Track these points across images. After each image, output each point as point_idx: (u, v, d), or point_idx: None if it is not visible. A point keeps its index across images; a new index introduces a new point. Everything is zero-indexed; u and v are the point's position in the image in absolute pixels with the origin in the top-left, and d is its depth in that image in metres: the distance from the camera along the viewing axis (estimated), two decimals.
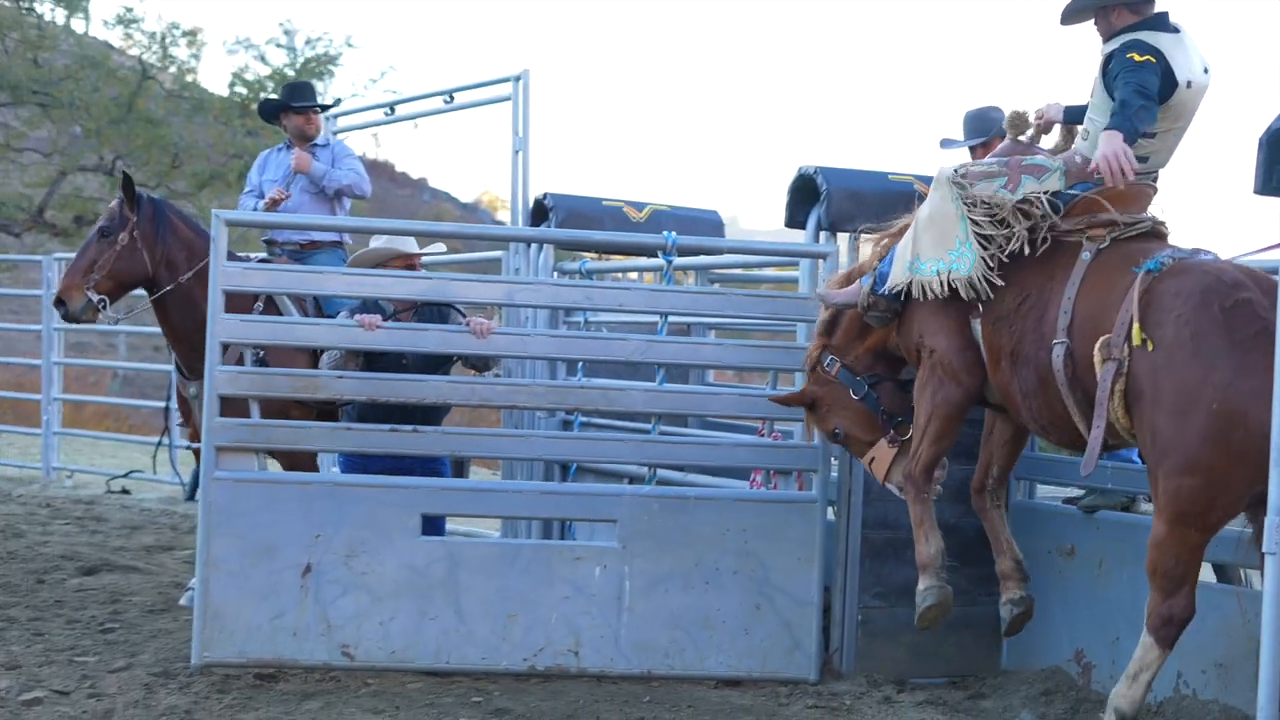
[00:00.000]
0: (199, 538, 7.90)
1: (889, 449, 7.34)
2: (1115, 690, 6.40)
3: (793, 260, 9.31)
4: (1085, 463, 6.45)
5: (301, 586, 7.74)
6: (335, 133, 12.01)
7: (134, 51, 29.10)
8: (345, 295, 8.68)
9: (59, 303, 9.19)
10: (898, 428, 7.35)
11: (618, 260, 11.36)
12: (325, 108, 10.71)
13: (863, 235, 7.93)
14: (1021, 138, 7.24)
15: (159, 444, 10.69)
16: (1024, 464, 8.14)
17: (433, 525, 8.32)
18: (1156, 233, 6.71)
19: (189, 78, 29.75)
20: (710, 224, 10.71)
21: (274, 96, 12.62)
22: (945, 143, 8.42)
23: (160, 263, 9.15)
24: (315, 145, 10.23)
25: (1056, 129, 7.31)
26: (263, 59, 30.35)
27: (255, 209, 10.03)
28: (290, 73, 29.90)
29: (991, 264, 6.76)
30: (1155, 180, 6.88)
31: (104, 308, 9.11)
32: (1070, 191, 6.75)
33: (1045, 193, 6.75)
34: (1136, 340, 6.16)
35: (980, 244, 6.75)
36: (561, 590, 7.91)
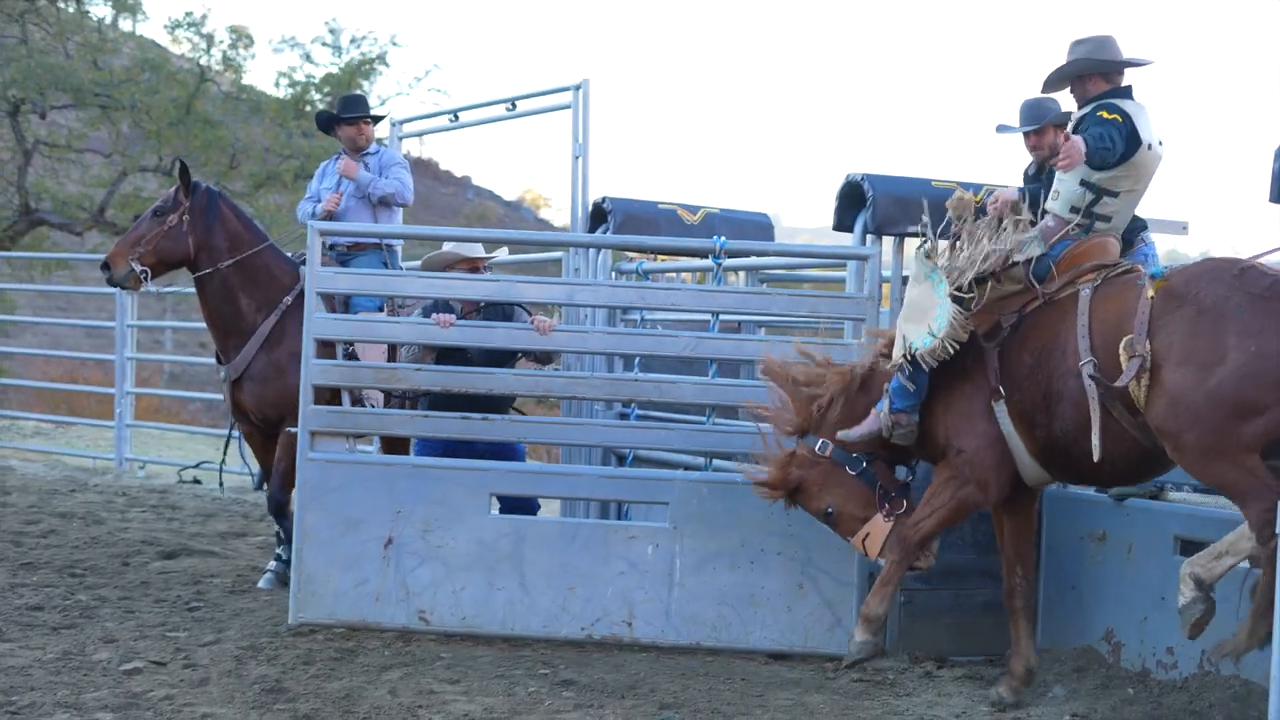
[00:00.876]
0: (296, 511, 8.70)
1: (885, 523, 7.64)
2: (1196, 559, 6.78)
3: (838, 262, 9.81)
4: (1094, 450, 6.89)
5: (384, 557, 8.43)
6: (401, 138, 12.52)
7: (192, 55, 29.52)
8: (420, 296, 9.35)
9: (105, 267, 9.97)
10: (892, 502, 7.68)
11: (672, 261, 11.77)
12: (376, 119, 11.19)
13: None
14: (966, 218, 7.67)
15: (229, 436, 11.25)
16: None
17: (525, 507, 8.98)
18: (1137, 273, 7.20)
19: (244, 80, 30.19)
20: (760, 226, 11.17)
21: (328, 109, 13.12)
22: (1001, 128, 8.86)
23: (202, 248, 9.92)
24: (365, 154, 10.76)
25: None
26: (308, 58, 30.65)
27: (313, 214, 10.56)
28: (336, 71, 30.23)
29: (965, 319, 7.27)
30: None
31: (145, 279, 9.98)
32: (1050, 254, 7.33)
33: (1026, 259, 7.33)
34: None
35: (954, 301, 7.28)
36: (617, 566, 8.47)
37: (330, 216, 10.37)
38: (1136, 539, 8.14)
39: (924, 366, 7.32)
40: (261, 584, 10.01)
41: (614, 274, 10.61)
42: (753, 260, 10.57)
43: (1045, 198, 7.61)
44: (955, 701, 7.55)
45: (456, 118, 12.13)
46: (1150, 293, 6.81)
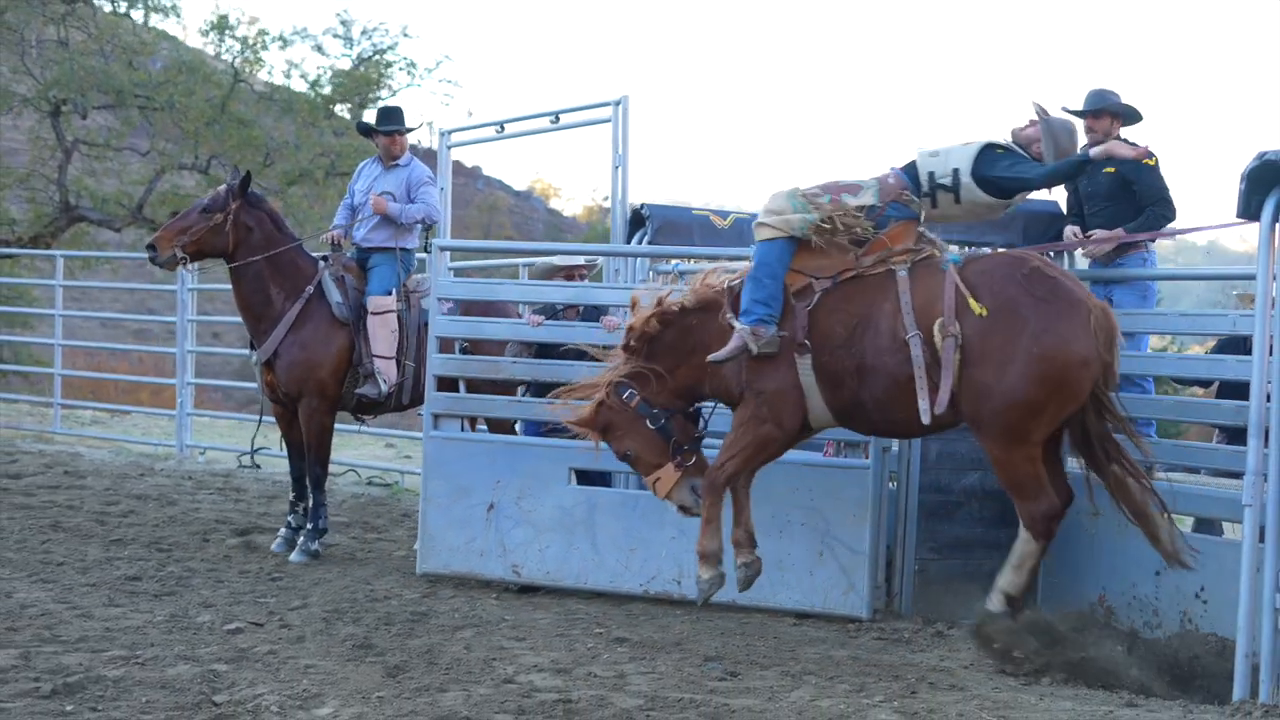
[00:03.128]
0: (422, 481, 10.29)
1: (674, 472, 8.55)
2: (1003, 577, 7.97)
3: None
4: (923, 413, 7.93)
5: (487, 519, 9.76)
6: (450, 147, 13.42)
7: (226, 58, 30.33)
8: (521, 299, 11.08)
9: (150, 248, 11.12)
10: (684, 454, 8.58)
11: (708, 263, 12.67)
12: (411, 129, 12.23)
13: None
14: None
15: (259, 420, 12.41)
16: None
17: (602, 478, 10.17)
18: (937, 258, 8.22)
19: (277, 80, 31.02)
20: None
21: (365, 121, 14.06)
22: (1064, 110, 9.95)
23: (240, 244, 11.06)
24: (398, 165, 11.83)
25: None
26: (320, 49, 31.35)
27: (352, 214, 11.82)
28: (347, 64, 31.07)
29: (820, 236, 8.28)
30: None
31: (185, 264, 11.21)
32: (885, 212, 8.35)
33: (861, 207, 8.33)
34: (977, 311, 7.80)
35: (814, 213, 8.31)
36: (670, 532, 9.56)
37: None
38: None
39: (777, 279, 8.25)
40: (274, 547, 11.20)
41: (651, 275, 11.53)
42: None
43: (1085, 186, 9.42)
44: (963, 655, 8.48)
45: (503, 129, 12.95)
46: (955, 279, 7.91)
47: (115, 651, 7.80)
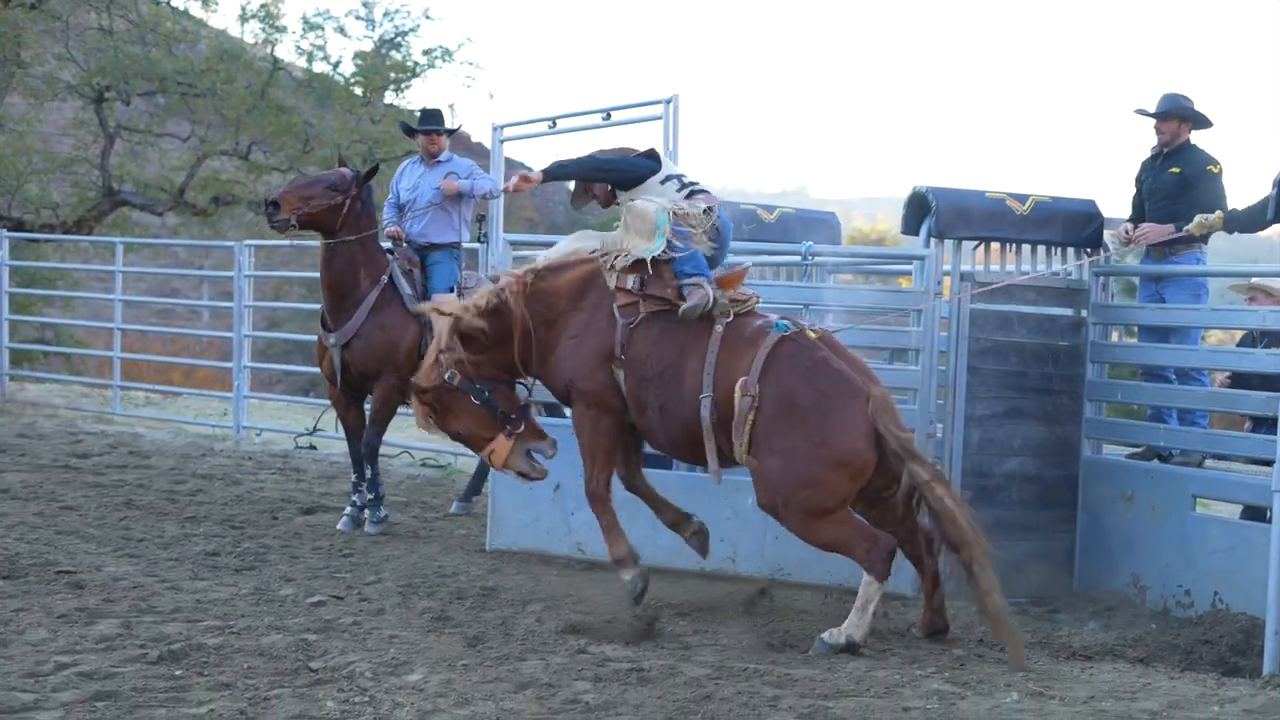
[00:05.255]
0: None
1: (507, 441, 9.00)
2: (850, 621, 8.23)
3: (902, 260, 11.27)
4: (714, 475, 8.52)
5: (553, 499, 10.22)
6: (502, 141, 13.90)
7: (250, 39, 30.74)
8: None
9: (274, 205, 11.54)
10: (512, 423, 9.01)
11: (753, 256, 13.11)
12: (450, 132, 12.74)
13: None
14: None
15: (329, 404, 12.94)
16: (1092, 427, 10.12)
17: (662, 461, 10.56)
18: (765, 320, 8.57)
19: (298, 61, 31.42)
20: (828, 224, 12.52)
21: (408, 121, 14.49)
22: (1139, 111, 10.47)
23: (342, 226, 11.43)
24: (439, 162, 12.37)
25: None
26: (342, 31, 31.63)
27: (400, 210, 12.43)
28: (369, 46, 31.53)
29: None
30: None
31: (293, 228, 11.57)
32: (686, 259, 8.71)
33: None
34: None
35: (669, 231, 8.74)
36: (725, 512, 10.09)
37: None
38: (1159, 499, 9.63)
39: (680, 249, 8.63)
40: (340, 526, 11.68)
41: None
42: (829, 259, 11.94)
43: (1149, 184, 10.12)
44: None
45: (554, 125, 13.42)
46: (769, 349, 8.26)
47: (210, 621, 8.32)
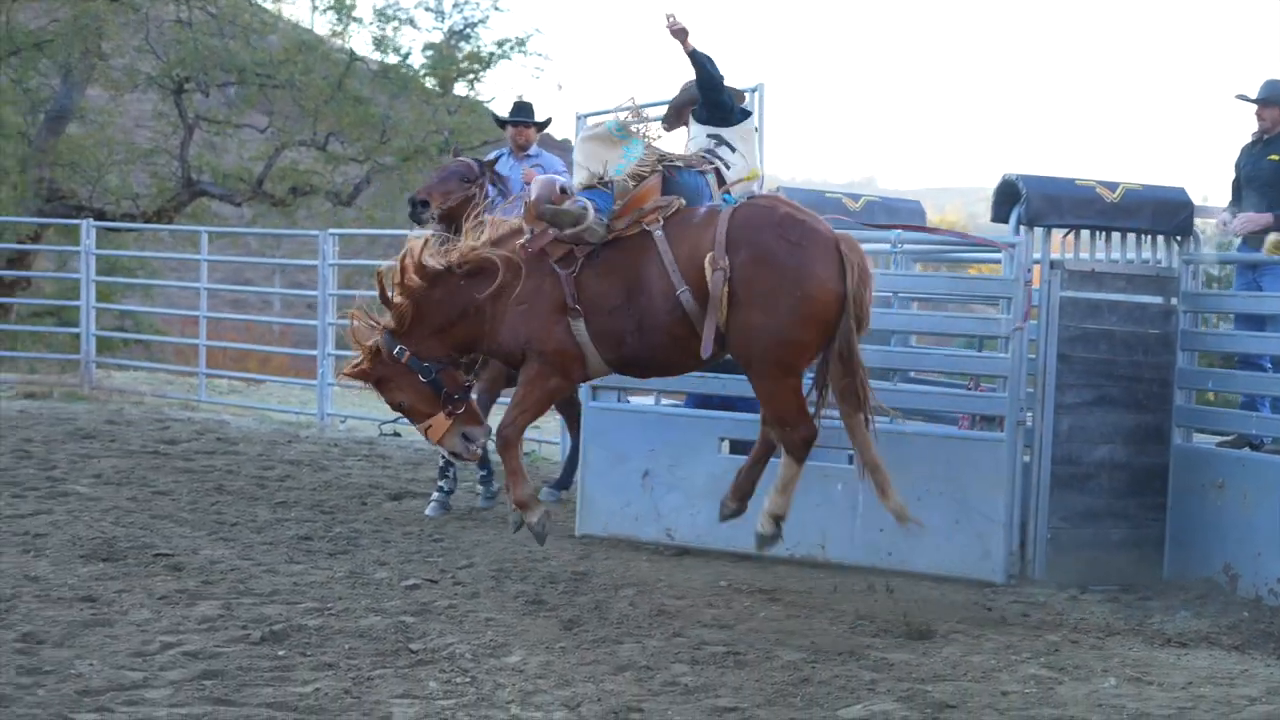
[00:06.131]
0: (581, 449, 10.99)
1: (446, 420, 8.95)
2: (770, 501, 8.69)
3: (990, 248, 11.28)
4: (704, 348, 8.47)
5: (642, 485, 10.34)
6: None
7: (322, 30, 30.93)
8: None
9: (423, 204, 11.47)
10: (454, 403, 8.97)
11: None
12: (541, 125, 12.78)
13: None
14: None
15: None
16: (1183, 415, 10.12)
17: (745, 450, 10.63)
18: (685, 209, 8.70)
19: (364, 51, 31.56)
20: (913, 212, 12.52)
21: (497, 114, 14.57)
22: (1239, 96, 10.47)
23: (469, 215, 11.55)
24: (528, 155, 12.41)
25: None
26: (412, 23, 31.73)
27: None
28: (438, 38, 31.60)
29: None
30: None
31: (432, 221, 11.49)
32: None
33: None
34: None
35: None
36: (814, 499, 10.06)
37: None
38: (1251, 487, 9.59)
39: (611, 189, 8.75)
40: (428, 512, 11.76)
41: None
42: (917, 247, 11.94)
43: (1247, 171, 10.17)
44: (1100, 612, 9.07)
45: (639, 114, 13.51)
46: (726, 221, 8.40)
47: (308, 604, 8.46)
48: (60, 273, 28.44)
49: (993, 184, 10.47)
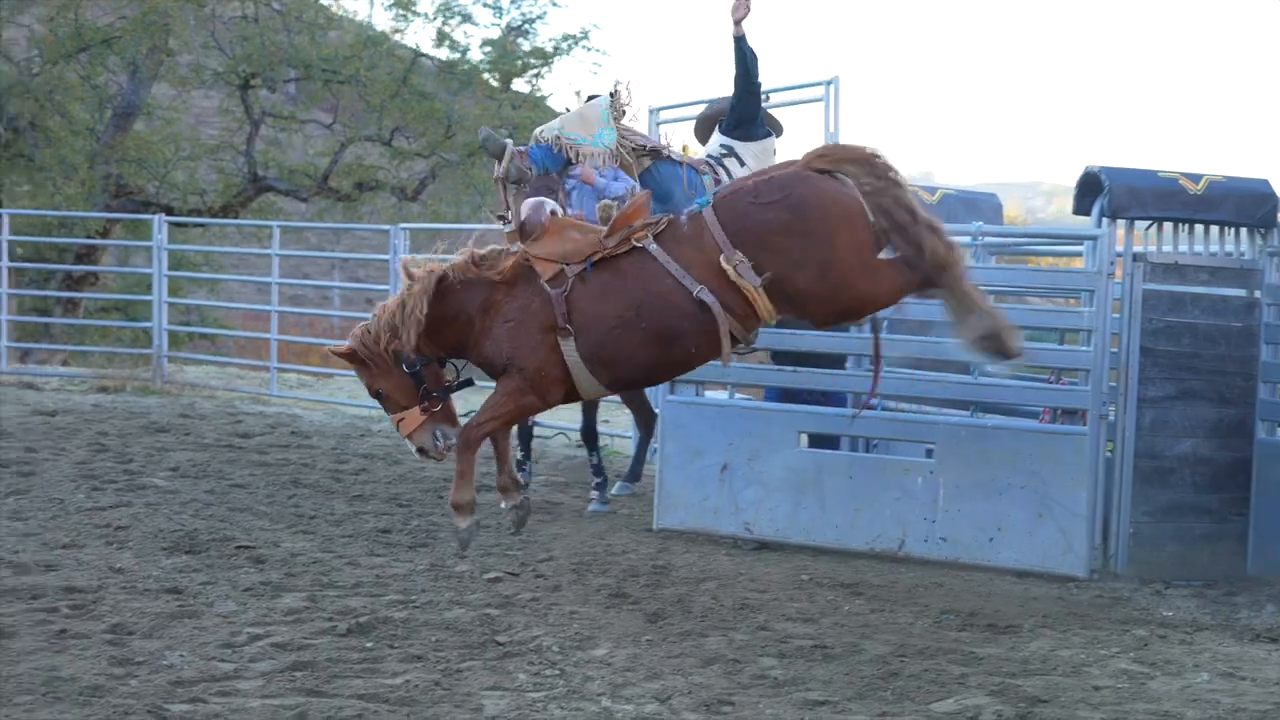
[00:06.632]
0: (659, 442, 10.92)
1: (419, 416, 8.85)
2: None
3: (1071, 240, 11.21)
4: (724, 359, 8.44)
5: (720, 479, 10.29)
6: (659, 124, 13.96)
7: (381, 26, 30.99)
8: None
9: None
10: (431, 400, 8.85)
11: None
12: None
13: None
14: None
15: None
16: (1267, 409, 10.04)
17: (830, 441, 10.57)
18: (689, 214, 8.56)
19: (422, 46, 31.56)
20: (991, 206, 12.47)
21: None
22: None
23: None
24: None
25: None
26: (469, 19, 31.79)
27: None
28: (496, 34, 31.59)
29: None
30: None
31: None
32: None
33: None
34: None
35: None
36: (893, 493, 10.06)
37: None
38: None
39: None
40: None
41: None
42: (995, 239, 11.89)
43: None
44: (1185, 607, 9.03)
45: (711, 107, 13.50)
46: (713, 218, 8.27)
47: (391, 596, 8.50)
48: (128, 268, 28.63)
49: (1050, 179, 10.49)
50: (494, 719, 6.38)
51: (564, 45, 31.08)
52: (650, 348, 8.46)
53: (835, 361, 10.90)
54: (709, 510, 10.62)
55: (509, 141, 9.03)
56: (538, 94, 31.36)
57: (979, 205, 12.22)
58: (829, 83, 12.03)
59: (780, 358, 10.79)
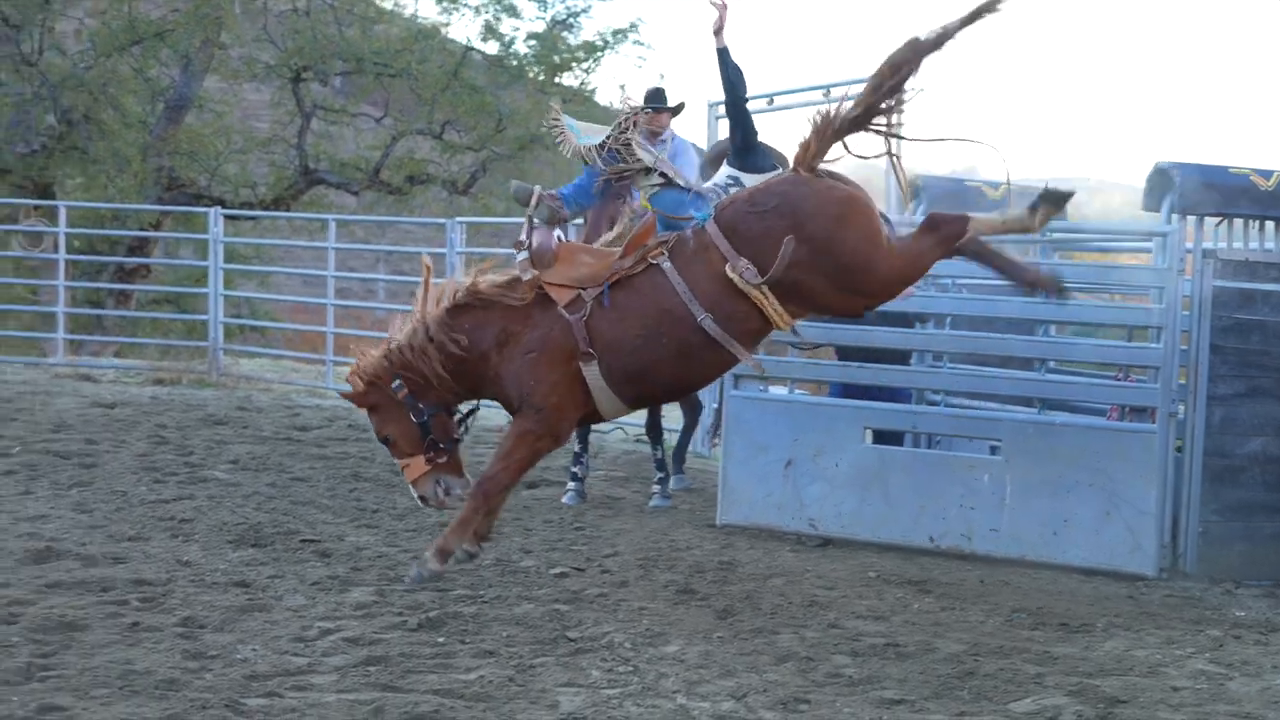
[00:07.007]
0: (723, 438, 10.84)
1: (423, 464, 8.87)
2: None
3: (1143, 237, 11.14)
4: (754, 367, 8.73)
5: (784, 475, 10.25)
6: (718, 119, 13.91)
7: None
8: None
9: None
10: (437, 451, 8.88)
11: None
12: (675, 110, 12.70)
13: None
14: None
15: None
16: None
17: (895, 437, 10.50)
18: (691, 230, 8.51)
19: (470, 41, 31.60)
20: None
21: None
22: None
23: None
24: (661, 140, 12.32)
25: None
26: (513, 12, 31.81)
27: None
28: (540, 26, 31.54)
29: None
30: None
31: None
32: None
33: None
34: None
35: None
36: (959, 490, 10.03)
37: None
38: None
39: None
40: (565, 499, 11.80)
41: None
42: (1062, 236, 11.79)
43: None
44: (1258, 607, 9.00)
45: (772, 101, 13.44)
46: (715, 228, 8.31)
47: (459, 591, 8.48)
48: (178, 260, 28.76)
49: (1094, 174, 10.38)
50: (570, 715, 6.35)
51: (613, 39, 31.03)
52: (673, 362, 8.49)
53: (900, 357, 10.83)
54: (772, 506, 10.59)
55: (536, 186, 9.04)
56: (587, 89, 31.33)
57: None
58: None
59: (845, 353, 10.74)
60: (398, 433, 8.93)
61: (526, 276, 8.71)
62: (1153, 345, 9.96)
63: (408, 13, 32.13)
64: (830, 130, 8.26)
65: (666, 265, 8.42)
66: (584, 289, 8.57)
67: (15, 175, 27.74)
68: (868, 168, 8.86)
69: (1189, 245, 10.00)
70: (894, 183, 11.30)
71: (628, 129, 8.97)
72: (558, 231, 8.99)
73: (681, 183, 8.96)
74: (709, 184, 9.24)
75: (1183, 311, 9.86)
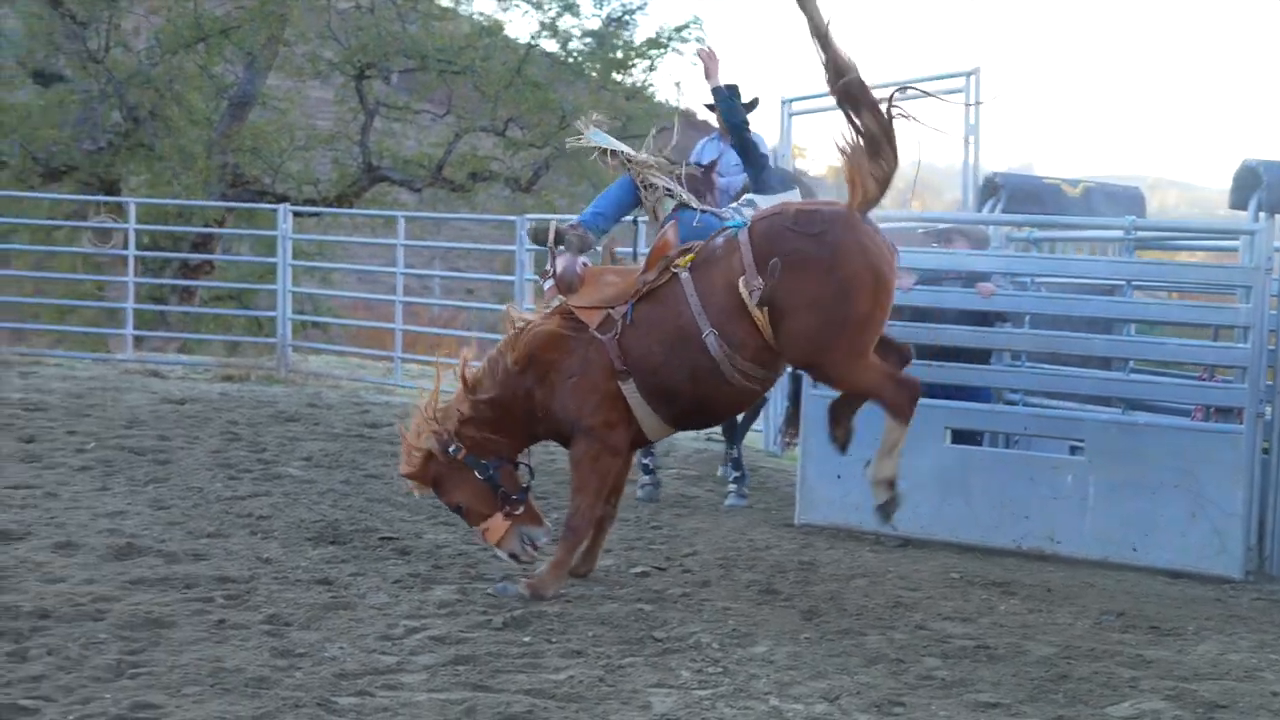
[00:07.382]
0: (801, 437, 10.88)
1: (503, 522, 8.66)
2: (878, 468, 8.39)
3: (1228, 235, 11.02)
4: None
5: (864, 474, 9.99)
6: (792, 115, 13.86)
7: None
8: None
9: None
10: (511, 504, 8.69)
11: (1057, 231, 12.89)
12: (749, 106, 12.62)
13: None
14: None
15: None
16: None
17: (972, 437, 10.42)
18: (724, 238, 8.44)
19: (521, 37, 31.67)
20: (1132, 198, 12.31)
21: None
22: None
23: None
24: (710, 139, 12.27)
25: None
26: (570, 10, 31.81)
27: None
28: (596, 24, 31.55)
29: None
30: None
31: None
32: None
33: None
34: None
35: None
36: (1042, 491, 9.95)
37: None
38: None
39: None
40: (638, 496, 11.79)
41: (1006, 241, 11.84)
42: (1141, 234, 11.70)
43: None
44: None
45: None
46: (746, 240, 8.15)
47: None
48: (243, 257, 28.88)
49: (1152, 173, 10.30)
50: (664, 717, 6.31)
51: (678, 34, 30.97)
52: (694, 382, 8.37)
53: (980, 357, 10.74)
54: (851, 506, 10.51)
55: (551, 220, 9.12)
56: (648, 86, 31.30)
57: (1119, 198, 12.07)
58: (970, 73, 11.93)
59: (924, 352, 10.66)
60: (469, 496, 8.77)
61: (555, 303, 8.70)
62: (1240, 345, 9.85)
63: (466, 11, 32.25)
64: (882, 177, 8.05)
65: (684, 276, 8.37)
66: (613, 308, 8.51)
67: (82, 172, 27.92)
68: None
69: (1277, 244, 9.87)
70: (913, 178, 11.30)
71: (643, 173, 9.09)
72: (582, 257, 8.93)
73: (698, 206, 9.00)
74: (728, 208, 9.28)
75: (1270, 311, 9.73)
